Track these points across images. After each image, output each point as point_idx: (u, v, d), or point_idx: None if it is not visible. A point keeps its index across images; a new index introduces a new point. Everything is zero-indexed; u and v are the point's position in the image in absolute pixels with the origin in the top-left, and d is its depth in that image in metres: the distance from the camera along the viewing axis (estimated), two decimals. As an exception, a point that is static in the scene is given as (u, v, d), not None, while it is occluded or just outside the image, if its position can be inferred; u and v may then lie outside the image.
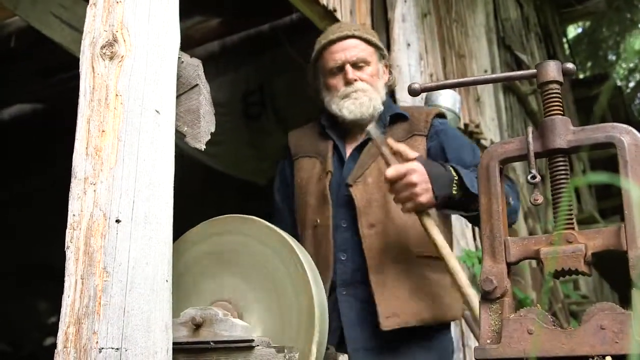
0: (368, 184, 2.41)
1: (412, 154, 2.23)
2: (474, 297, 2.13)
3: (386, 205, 2.37)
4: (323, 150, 2.54)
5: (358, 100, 2.45)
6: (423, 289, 2.33)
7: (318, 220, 2.43)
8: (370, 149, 2.45)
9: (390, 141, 2.28)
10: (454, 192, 2.19)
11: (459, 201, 2.22)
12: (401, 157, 2.23)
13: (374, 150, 2.41)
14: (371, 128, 2.32)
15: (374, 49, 2.55)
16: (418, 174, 2.15)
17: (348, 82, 2.47)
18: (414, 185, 2.14)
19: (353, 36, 2.51)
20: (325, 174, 2.47)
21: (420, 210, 2.21)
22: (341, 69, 2.49)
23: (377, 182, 2.39)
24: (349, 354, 2.19)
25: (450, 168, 2.23)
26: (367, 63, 2.51)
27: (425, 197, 2.15)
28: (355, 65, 2.49)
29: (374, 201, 2.38)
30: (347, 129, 2.56)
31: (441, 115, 2.60)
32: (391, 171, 2.17)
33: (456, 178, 2.20)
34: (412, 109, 2.59)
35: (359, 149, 2.49)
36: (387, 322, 2.25)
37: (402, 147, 2.25)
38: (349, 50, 2.49)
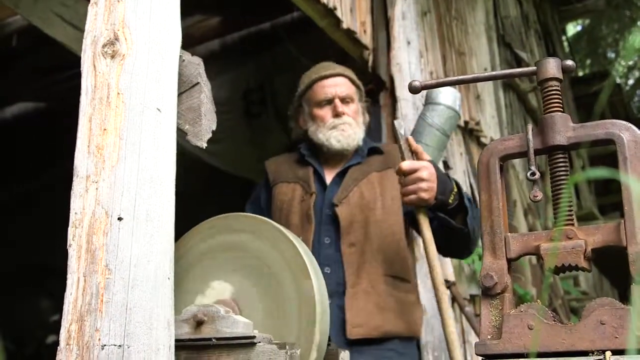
0: (351, 204, 2.60)
1: (426, 156, 2.45)
2: (444, 295, 2.35)
3: (366, 227, 2.57)
4: (304, 176, 2.73)
5: (345, 132, 2.69)
6: (388, 305, 2.51)
7: (300, 238, 2.56)
8: (353, 174, 2.68)
9: (410, 139, 2.48)
10: (450, 200, 2.42)
11: (450, 210, 2.45)
12: (417, 156, 2.45)
13: (357, 175, 2.66)
14: (397, 122, 2.52)
15: (356, 89, 2.79)
16: (429, 172, 2.37)
17: (337, 115, 2.69)
18: (422, 180, 2.35)
19: (343, 75, 2.76)
20: (309, 195, 2.65)
21: (420, 205, 2.42)
22: (330, 102, 2.71)
23: (359, 204, 2.60)
24: None
25: (453, 180, 2.48)
26: (352, 100, 2.75)
27: (429, 194, 2.36)
28: (343, 101, 2.71)
29: (355, 222, 2.57)
30: (326, 157, 2.76)
31: None
32: (407, 164, 2.38)
33: (455, 190, 2.45)
34: (386, 145, 2.88)
35: (340, 175, 2.70)
36: (353, 332, 2.44)
37: (420, 148, 2.47)
38: (340, 86, 2.73)
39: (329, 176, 2.73)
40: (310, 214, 2.60)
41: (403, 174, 2.39)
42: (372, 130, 3.68)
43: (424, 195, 2.35)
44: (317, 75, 2.76)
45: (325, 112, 2.71)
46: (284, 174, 2.79)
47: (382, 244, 2.55)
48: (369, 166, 2.70)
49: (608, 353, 1.22)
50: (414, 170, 2.36)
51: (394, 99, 3.84)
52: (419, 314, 2.60)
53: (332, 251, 2.56)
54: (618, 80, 15.98)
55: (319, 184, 2.70)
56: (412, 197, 2.37)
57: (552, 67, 1.44)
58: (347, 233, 2.55)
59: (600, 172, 0.70)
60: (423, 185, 2.35)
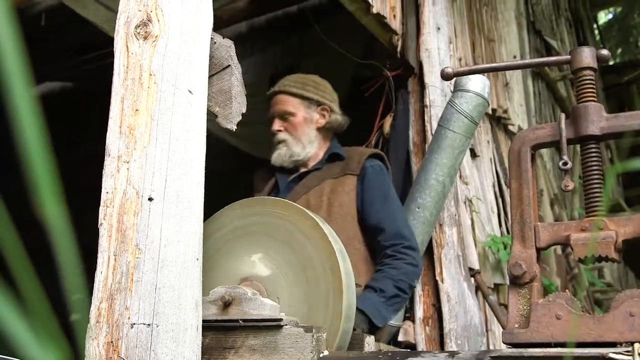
0: None
1: None
2: None
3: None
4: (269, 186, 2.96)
5: (277, 151, 2.91)
6: None
7: None
8: (307, 181, 2.80)
9: None
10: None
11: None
12: None
13: (308, 182, 2.78)
14: None
15: (300, 99, 2.92)
16: None
17: (272, 133, 2.94)
18: None
19: (280, 92, 2.96)
20: None
21: None
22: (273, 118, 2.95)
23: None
24: None
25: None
26: (291, 114, 2.91)
27: None
28: (282, 117, 2.92)
29: None
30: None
31: (375, 156, 2.86)
32: None
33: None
34: (351, 150, 2.91)
35: (295, 181, 2.86)
36: None
37: None
38: (277, 104, 2.95)
39: (283, 182, 2.88)
40: None
41: None
42: (400, 116, 3.66)
43: None
44: (267, 95, 3.00)
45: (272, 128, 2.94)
46: (260, 184, 3.01)
47: None
48: (325, 173, 2.78)
49: (637, 345, 1.21)
50: None
51: (422, 85, 3.81)
52: None
53: None
54: (650, 70, 15.69)
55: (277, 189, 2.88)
56: None
57: (587, 56, 1.42)
58: None
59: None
60: None
